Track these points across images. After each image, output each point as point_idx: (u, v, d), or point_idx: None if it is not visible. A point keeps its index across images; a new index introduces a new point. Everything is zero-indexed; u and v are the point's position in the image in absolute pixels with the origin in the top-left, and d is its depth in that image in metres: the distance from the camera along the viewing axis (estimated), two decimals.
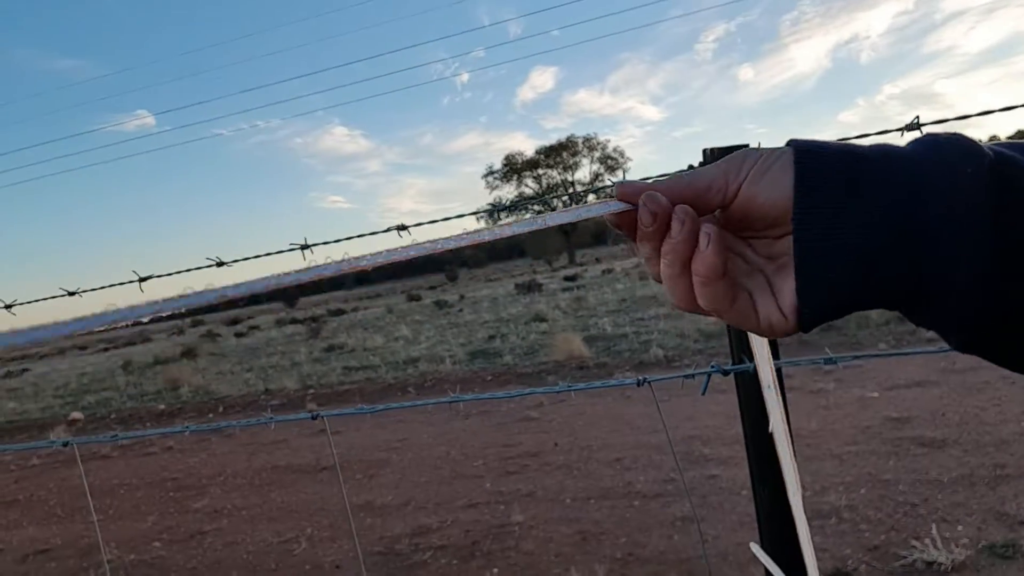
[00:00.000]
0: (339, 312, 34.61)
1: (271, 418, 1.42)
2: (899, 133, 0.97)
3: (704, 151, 1.01)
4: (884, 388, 6.09)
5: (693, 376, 1.09)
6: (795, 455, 0.86)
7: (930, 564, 3.18)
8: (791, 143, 0.46)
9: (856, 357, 1.09)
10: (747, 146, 0.48)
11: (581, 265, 49.63)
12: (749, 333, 0.94)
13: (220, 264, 1.30)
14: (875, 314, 9.02)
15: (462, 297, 31.22)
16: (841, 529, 3.65)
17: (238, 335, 28.94)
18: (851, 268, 0.43)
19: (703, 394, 1.10)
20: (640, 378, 1.12)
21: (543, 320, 15.18)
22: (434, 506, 5.03)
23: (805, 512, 0.86)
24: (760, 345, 0.90)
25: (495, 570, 3.86)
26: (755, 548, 0.81)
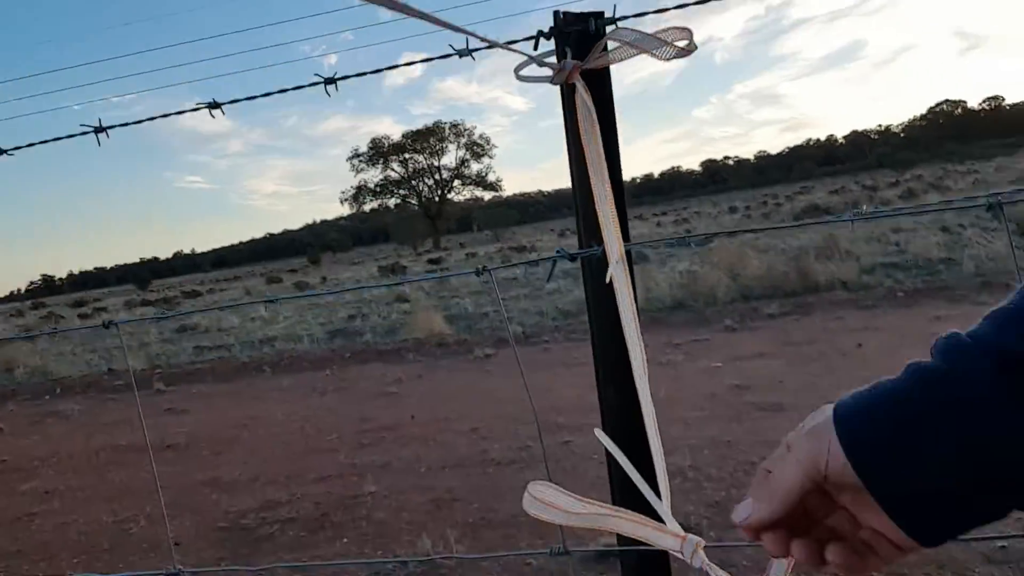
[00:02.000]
0: (194, 294, 33.23)
1: (55, 329, 1.30)
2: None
3: (555, 12, 0.98)
4: (729, 359, 6.34)
5: (538, 263, 1.06)
6: (644, 345, 0.83)
7: None
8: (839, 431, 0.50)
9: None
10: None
11: (446, 250, 49.58)
12: (599, 217, 0.92)
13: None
14: (721, 292, 9.41)
15: (324, 279, 30.60)
16: (685, 487, 3.76)
17: (82, 316, 27.33)
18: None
19: (547, 281, 1.06)
20: (480, 267, 1.08)
21: (405, 300, 15.05)
22: (284, 480, 4.87)
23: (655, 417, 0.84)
24: (608, 224, 0.87)
25: (344, 540, 3.77)
26: (599, 433, 0.79)
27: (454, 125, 72.81)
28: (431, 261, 31.67)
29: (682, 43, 0.87)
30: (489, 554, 2.47)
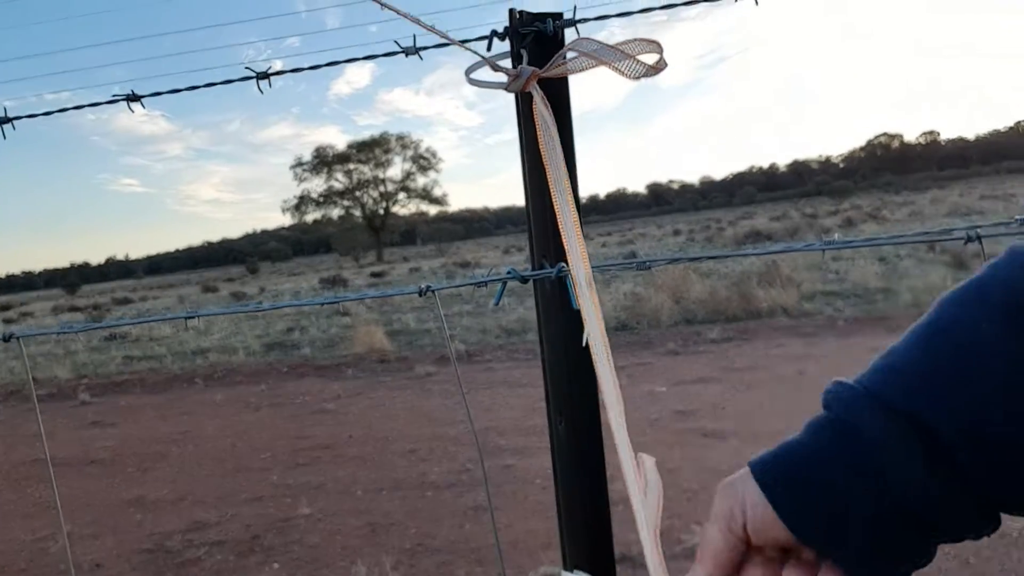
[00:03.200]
0: (126, 301, 32.35)
1: None
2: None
3: (511, 11, 0.90)
4: (671, 383, 6.33)
5: (486, 283, 0.97)
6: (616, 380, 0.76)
7: None
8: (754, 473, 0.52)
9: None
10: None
11: (389, 263, 49.21)
12: (562, 236, 0.84)
13: None
14: (665, 316, 9.44)
15: (262, 290, 30.08)
16: (627, 516, 3.70)
17: (7, 321, 26.38)
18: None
19: (496, 304, 0.98)
20: (424, 286, 0.99)
21: (346, 314, 14.82)
22: (214, 500, 4.69)
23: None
24: (572, 240, 0.79)
25: (275, 565, 3.62)
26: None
27: (400, 137, 72.41)
28: (374, 274, 31.37)
29: (651, 59, 0.80)
30: None
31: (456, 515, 4.00)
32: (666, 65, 0.81)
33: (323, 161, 72.15)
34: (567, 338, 0.92)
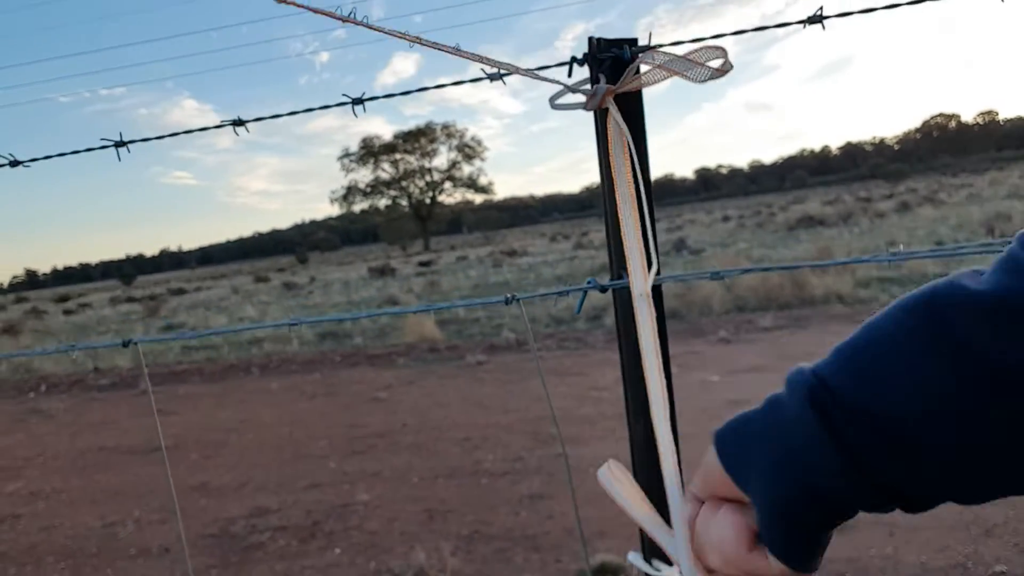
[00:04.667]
0: (180, 291, 33.05)
1: (72, 346, 1.24)
2: (801, 26, 0.92)
3: (590, 39, 0.94)
4: (724, 372, 6.31)
5: (568, 293, 1.01)
6: (668, 381, 0.79)
7: None
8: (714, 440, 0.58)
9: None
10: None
11: (436, 252, 49.50)
12: (625, 250, 0.88)
13: (15, 164, 1.12)
14: (716, 303, 9.38)
15: (313, 279, 30.49)
16: None
17: (67, 312, 27.14)
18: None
19: (578, 312, 1.02)
20: (509, 296, 1.03)
21: (396, 303, 14.98)
22: (274, 487, 4.81)
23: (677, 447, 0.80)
24: (634, 256, 0.83)
25: (337, 550, 3.71)
26: (601, 476, 0.74)
27: (445, 126, 72.74)
28: (421, 263, 31.60)
29: (716, 63, 0.83)
30: None
31: (511, 503, 4.06)
32: (731, 67, 0.84)
33: (370, 152, 72.78)
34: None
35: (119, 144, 1.06)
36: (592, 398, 5.92)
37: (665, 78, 0.87)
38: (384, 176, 73.67)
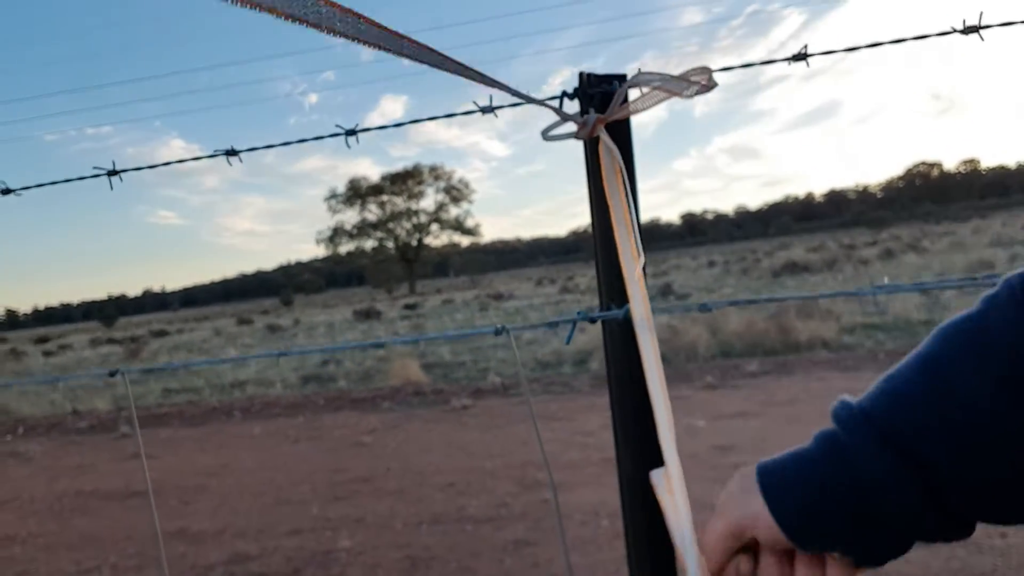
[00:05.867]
0: (162, 333, 32.80)
1: (56, 378, 1.21)
2: (786, 63, 0.92)
3: (581, 74, 0.94)
4: (710, 418, 6.27)
5: (558, 324, 0.99)
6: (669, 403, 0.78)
7: None
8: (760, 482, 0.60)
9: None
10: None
11: (422, 295, 49.45)
12: (625, 276, 0.87)
13: (6, 191, 1.10)
14: (702, 348, 9.38)
15: (297, 322, 30.35)
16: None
17: (46, 354, 26.85)
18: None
19: (568, 343, 1.01)
20: (499, 326, 1.02)
21: (380, 347, 14.90)
22: (255, 533, 4.71)
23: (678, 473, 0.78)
24: (634, 285, 0.82)
25: None
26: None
27: (433, 168, 73.20)
28: (407, 306, 31.53)
29: (702, 80, 0.85)
30: None
31: (496, 549, 3.99)
32: (716, 84, 0.85)
33: (357, 193, 73.01)
34: (634, 378, 0.94)
35: (111, 173, 1.05)
36: (578, 443, 5.87)
37: (653, 104, 0.89)
38: (371, 218, 73.84)
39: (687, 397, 7.18)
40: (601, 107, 0.94)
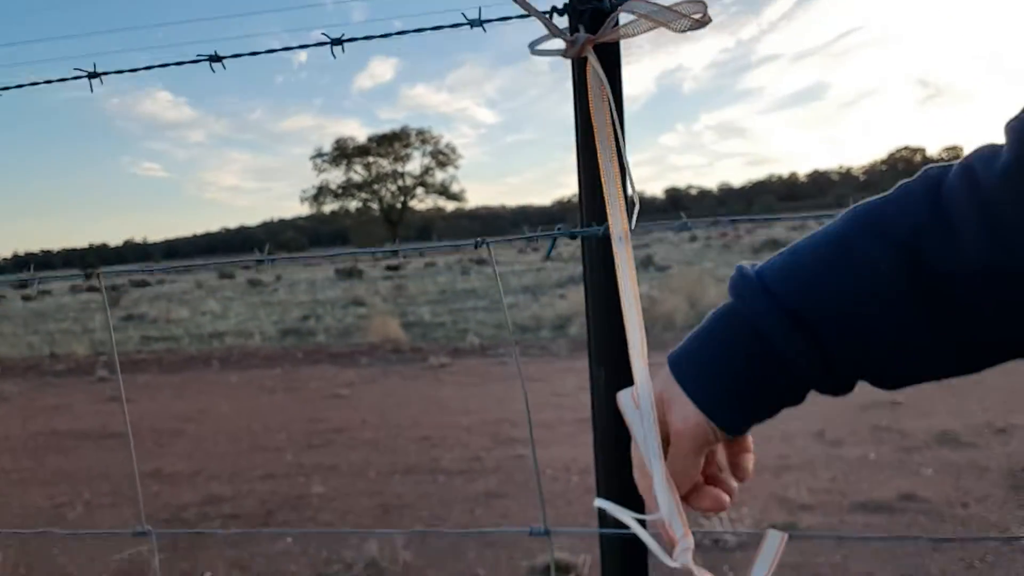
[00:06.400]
0: (142, 283, 32.60)
1: (36, 276, 1.23)
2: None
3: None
4: None
5: (537, 239, 1.03)
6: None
7: (717, 541, 3.32)
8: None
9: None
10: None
11: (405, 257, 49.30)
12: (605, 194, 0.90)
13: None
14: (679, 319, 9.47)
15: (279, 277, 30.27)
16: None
17: (25, 299, 26.65)
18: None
19: (548, 257, 1.04)
20: (479, 239, 1.05)
21: (361, 304, 14.91)
22: (229, 476, 4.76)
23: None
24: (614, 203, 0.85)
25: (289, 539, 3.69)
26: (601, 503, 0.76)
27: (420, 132, 72.57)
28: (389, 267, 31.48)
29: (696, 15, 0.86)
30: (473, 529, 2.43)
31: (467, 500, 4.06)
32: (710, 20, 0.87)
33: (343, 153, 72.36)
34: (609, 293, 0.98)
35: (92, 75, 1.06)
36: (553, 404, 5.94)
37: (645, 30, 0.89)
38: (356, 178, 73.25)
39: (661, 364, 7.25)
40: (590, 26, 0.95)
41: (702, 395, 0.59)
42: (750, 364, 0.57)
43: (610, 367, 1.00)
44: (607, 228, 0.93)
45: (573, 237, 0.97)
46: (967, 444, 4.42)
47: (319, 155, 73.48)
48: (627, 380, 1.02)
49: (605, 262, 0.97)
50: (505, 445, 4.96)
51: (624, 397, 0.83)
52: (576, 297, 10.69)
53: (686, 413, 0.59)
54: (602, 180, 0.90)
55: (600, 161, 0.91)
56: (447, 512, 3.92)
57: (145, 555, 3.58)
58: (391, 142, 72.05)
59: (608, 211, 0.87)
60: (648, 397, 0.81)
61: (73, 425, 6.37)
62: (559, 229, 0.99)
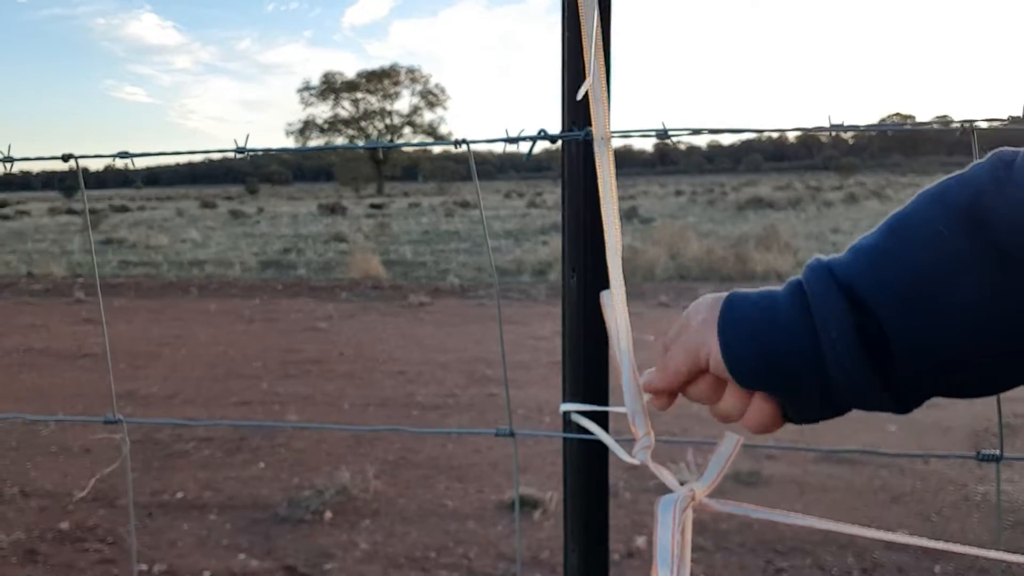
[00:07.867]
0: (123, 209, 32.28)
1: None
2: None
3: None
4: (660, 333, 6.41)
5: (517, 141, 1.03)
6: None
7: (683, 483, 3.38)
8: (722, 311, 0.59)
9: None
10: None
11: (389, 196, 49.01)
12: (590, 94, 0.89)
13: None
14: (659, 270, 9.51)
15: (261, 210, 30.03)
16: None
17: (3, 218, 26.34)
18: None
19: (527, 159, 1.04)
20: (459, 139, 1.05)
21: (343, 240, 14.85)
22: (204, 401, 4.78)
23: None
24: (598, 104, 0.85)
25: (261, 464, 3.72)
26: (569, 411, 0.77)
27: (411, 70, 71.59)
28: (373, 206, 31.31)
29: None
30: (439, 429, 2.46)
31: (440, 435, 4.10)
32: None
33: (331, 87, 71.35)
34: (586, 201, 0.99)
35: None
36: (530, 346, 5.98)
37: None
38: (343, 114, 72.35)
39: (640, 314, 7.30)
40: None
41: (726, 327, 0.58)
42: (790, 321, 0.55)
43: (581, 273, 1.02)
44: (588, 132, 0.93)
45: (553, 141, 0.98)
46: (932, 404, 4.49)
47: (307, 88, 72.48)
48: (595, 287, 1.03)
49: (585, 171, 0.98)
50: (480, 384, 5.00)
51: (606, 297, 0.84)
52: (556, 243, 10.73)
53: (701, 333, 0.60)
54: (587, 78, 0.90)
55: (586, 60, 0.90)
56: (419, 444, 3.96)
57: (121, 473, 3.61)
58: (380, 79, 71.08)
59: (592, 112, 0.87)
60: (621, 296, 0.82)
61: (49, 344, 6.36)
62: (541, 132, 0.99)
